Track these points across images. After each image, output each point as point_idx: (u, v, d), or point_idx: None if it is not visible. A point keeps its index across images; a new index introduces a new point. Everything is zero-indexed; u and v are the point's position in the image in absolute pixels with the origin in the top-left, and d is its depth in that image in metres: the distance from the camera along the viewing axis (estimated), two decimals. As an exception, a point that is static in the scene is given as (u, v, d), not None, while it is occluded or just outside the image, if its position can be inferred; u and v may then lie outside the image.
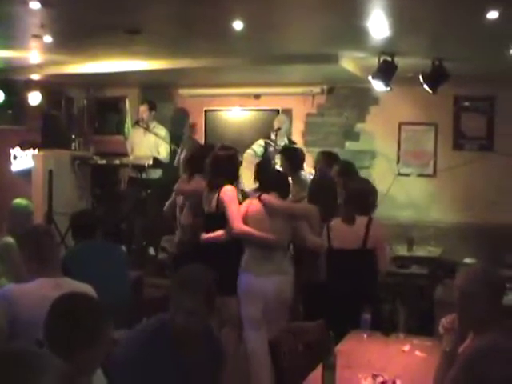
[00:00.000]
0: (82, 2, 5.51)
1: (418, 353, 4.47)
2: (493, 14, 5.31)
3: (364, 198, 5.87)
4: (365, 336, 4.80)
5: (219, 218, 5.93)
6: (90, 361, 2.69)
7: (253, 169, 7.42)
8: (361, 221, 5.69)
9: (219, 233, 5.96)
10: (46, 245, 4.14)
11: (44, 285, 3.92)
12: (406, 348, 4.54)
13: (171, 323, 3.33)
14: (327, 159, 7.55)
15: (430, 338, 4.84)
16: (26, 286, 4.00)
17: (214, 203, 6.01)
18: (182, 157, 8.38)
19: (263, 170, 6.72)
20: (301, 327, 4.55)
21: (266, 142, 9.10)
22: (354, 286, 5.46)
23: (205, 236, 6.07)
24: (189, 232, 6.48)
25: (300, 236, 5.85)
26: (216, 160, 6.15)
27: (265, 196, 5.92)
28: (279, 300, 5.73)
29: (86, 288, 4.15)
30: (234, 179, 6.21)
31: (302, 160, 7.59)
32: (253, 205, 5.96)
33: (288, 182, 6.27)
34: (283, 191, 6.04)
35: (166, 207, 7.28)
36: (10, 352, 1.87)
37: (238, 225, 5.84)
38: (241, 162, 7.83)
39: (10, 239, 5.98)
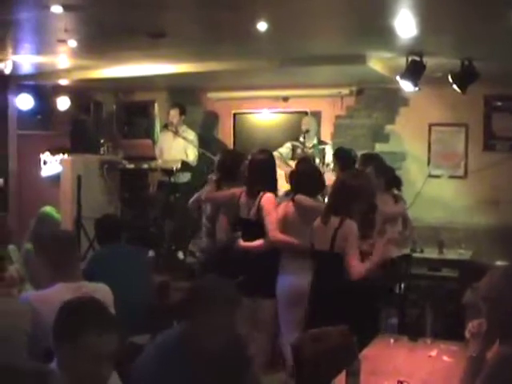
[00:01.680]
0: (105, 5, 5.50)
1: (445, 358, 4.37)
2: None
3: (345, 196, 5.28)
4: (392, 341, 4.70)
5: (258, 225, 5.86)
6: (67, 361, 2.67)
7: (279, 171, 7.33)
8: (334, 221, 5.23)
9: (258, 242, 5.91)
10: (64, 250, 4.13)
11: (62, 290, 3.91)
12: (433, 353, 4.44)
13: (189, 340, 3.23)
14: (362, 160, 7.43)
15: (458, 342, 4.72)
16: (44, 293, 4.00)
17: (254, 210, 5.93)
18: None
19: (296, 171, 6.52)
20: (323, 332, 4.46)
21: (293, 145, 9.04)
22: (322, 289, 5.25)
23: (243, 244, 6.02)
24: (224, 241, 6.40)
25: None
26: (254, 165, 6.11)
27: (298, 197, 5.84)
28: None
29: (102, 288, 4.16)
30: (274, 183, 6.13)
31: (355, 161, 7.51)
32: (288, 208, 5.87)
33: (318, 180, 6.06)
34: (312, 190, 5.92)
35: (190, 202, 7.18)
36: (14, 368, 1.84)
37: (274, 234, 5.77)
38: None
39: (30, 246, 6.03)
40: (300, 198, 5.81)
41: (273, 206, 5.90)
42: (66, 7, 5.34)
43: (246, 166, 6.28)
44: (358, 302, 5.08)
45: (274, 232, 5.78)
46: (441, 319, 5.08)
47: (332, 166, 8.12)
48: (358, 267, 5.05)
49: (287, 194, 6.38)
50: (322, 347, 4.17)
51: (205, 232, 6.90)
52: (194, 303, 3.27)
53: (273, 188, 6.07)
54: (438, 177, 9.44)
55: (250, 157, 6.39)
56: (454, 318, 6.42)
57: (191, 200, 7.14)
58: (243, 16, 5.86)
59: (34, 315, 3.84)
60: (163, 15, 5.91)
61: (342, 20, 6.19)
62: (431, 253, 8.31)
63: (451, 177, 9.46)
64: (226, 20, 5.98)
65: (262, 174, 6.04)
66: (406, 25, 6.07)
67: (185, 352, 3.22)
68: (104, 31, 6.37)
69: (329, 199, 5.47)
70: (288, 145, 9.07)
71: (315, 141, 9.07)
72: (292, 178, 6.20)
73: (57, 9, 5.36)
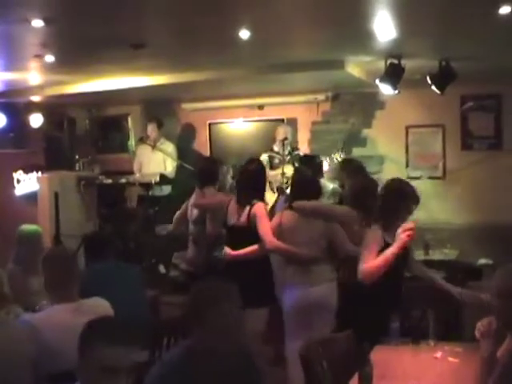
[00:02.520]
0: (84, 17, 5.38)
1: (451, 359, 4.33)
2: (505, 9, 5.19)
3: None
4: (395, 344, 4.66)
5: (249, 232, 5.81)
6: (85, 378, 2.68)
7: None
8: None
9: (252, 248, 5.84)
10: (64, 269, 4.00)
11: (61, 312, 3.81)
12: (438, 355, 4.40)
13: (195, 351, 3.14)
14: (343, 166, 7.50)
15: (460, 343, 4.70)
16: (44, 315, 3.89)
17: (244, 218, 5.90)
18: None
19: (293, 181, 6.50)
20: (330, 338, 4.42)
21: (269, 156, 9.02)
22: None
23: (232, 252, 5.94)
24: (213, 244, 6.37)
25: (337, 246, 5.69)
26: (246, 175, 6.11)
27: (297, 203, 5.79)
28: (324, 308, 5.56)
29: (102, 304, 4.11)
30: (263, 193, 6.17)
31: (321, 167, 7.52)
32: (285, 216, 5.82)
33: (316, 187, 6.08)
34: (311, 197, 5.89)
35: (172, 225, 7.15)
36: None
37: (271, 240, 5.72)
38: None
39: (13, 265, 5.92)
40: (299, 202, 5.78)
41: (265, 213, 5.88)
42: (46, 21, 5.22)
43: (237, 175, 6.37)
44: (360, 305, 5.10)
45: (271, 239, 5.72)
46: (439, 320, 5.02)
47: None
48: (362, 271, 4.95)
49: (286, 200, 6.36)
50: (330, 353, 4.12)
51: (191, 239, 6.86)
52: (195, 309, 3.18)
53: (262, 197, 6.07)
54: (417, 178, 9.42)
55: (236, 166, 6.46)
56: (449, 318, 6.40)
57: (174, 221, 7.13)
58: (223, 22, 5.80)
59: (37, 338, 3.72)
60: (143, 25, 5.83)
61: (320, 25, 6.14)
62: (417, 254, 8.27)
63: (430, 177, 9.49)
64: (205, 28, 5.90)
65: (252, 184, 6.05)
66: (384, 28, 6.05)
67: (193, 368, 3.12)
68: (83, 44, 6.23)
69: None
70: (264, 156, 9.00)
71: (289, 148, 9.04)
72: (291, 187, 6.23)
73: (37, 23, 5.23)
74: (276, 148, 9.07)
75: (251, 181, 6.06)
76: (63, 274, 3.99)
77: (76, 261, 4.33)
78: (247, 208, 5.89)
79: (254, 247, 5.81)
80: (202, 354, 3.12)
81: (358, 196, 5.81)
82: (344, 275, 5.71)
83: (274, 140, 9.21)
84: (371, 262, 4.83)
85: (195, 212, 6.76)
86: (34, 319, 3.87)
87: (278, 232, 5.76)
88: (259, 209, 5.85)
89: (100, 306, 4.09)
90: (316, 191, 6.01)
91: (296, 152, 9.03)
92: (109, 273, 5.34)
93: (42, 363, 3.62)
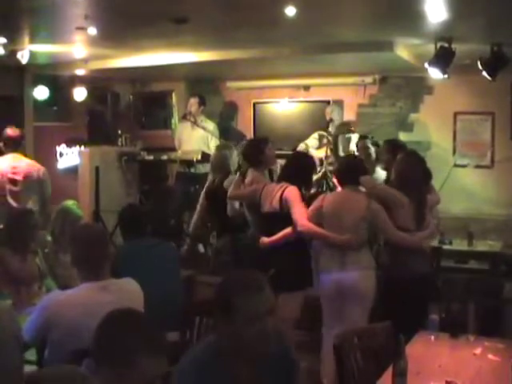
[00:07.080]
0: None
1: (490, 356, 4.16)
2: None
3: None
4: (432, 338, 4.50)
5: (282, 217, 5.66)
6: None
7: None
8: None
9: (285, 231, 5.68)
10: (97, 246, 3.89)
11: (89, 290, 3.72)
12: (478, 351, 4.23)
13: (223, 342, 3.02)
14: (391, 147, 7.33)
15: (502, 339, 4.53)
16: (71, 294, 3.79)
17: (275, 203, 5.74)
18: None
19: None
20: (366, 329, 4.28)
21: (319, 134, 8.88)
22: None
23: (266, 240, 5.81)
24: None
25: (379, 229, 5.56)
26: (295, 168, 5.96)
27: (364, 178, 5.72)
28: (358, 295, 5.42)
29: (130, 284, 4.01)
30: (309, 184, 6.04)
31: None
32: (327, 200, 5.67)
33: (358, 169, 5.83)
34: (352, 181, 5.72)
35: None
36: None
37: (303, 223, 5.55)
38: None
39: (49, 239, 5.89)
40: (365, 178, 5.75)
41: (297, 196, 5.69)
42: (87, -9, 5.14)
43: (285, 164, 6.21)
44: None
45: (304, 222, 5.56)
46: (479, 314, 4.86)
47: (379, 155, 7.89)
48: None
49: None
50: (365, 344, 3.99)
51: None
52: (222, 297, 3.05)
53: (305, 185, 5.89)
54: (463, 166, 9.24)
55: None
56: (489, 312, 6.23)
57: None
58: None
59: (56, 318, 3.63)
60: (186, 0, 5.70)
61: (370, 4, 5.97)
62: (460, 245, 8.11)
63: (477, 166, 9.27)
64: (252, 3, 5.76)
65: (299, 173, 5.90)
66: (436, 8, 5.84)
67: (225, 357, 3.00)
68: (126, 17, 6.15)
69: None
70: (315, 135, 8.98)
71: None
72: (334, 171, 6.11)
73: (78, -7, 5.16)
74: (330, 128, 8.97)
75: (298, 174, 5.90)
76: (97, 249, 3.88)
77: (107, 238, 4.21)
78: (279, 192, 5.74)
79: (288, 230, 5.66)
80: (230, 345, 2.99)
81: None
82: (384, 261, 5.61)
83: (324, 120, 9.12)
84: None
85: (237, 204, 6.59)
86: (55, 301, 3.76)
87: (317, 215, 5.60)
88: (291, 192, 5.68)
89: (129, 286, 3.99)
90: (361, 172, 5.84)
91: (348, 135, 8.86)
92: (143, 250, 5.21)
93: (65, 341, 3.54)
